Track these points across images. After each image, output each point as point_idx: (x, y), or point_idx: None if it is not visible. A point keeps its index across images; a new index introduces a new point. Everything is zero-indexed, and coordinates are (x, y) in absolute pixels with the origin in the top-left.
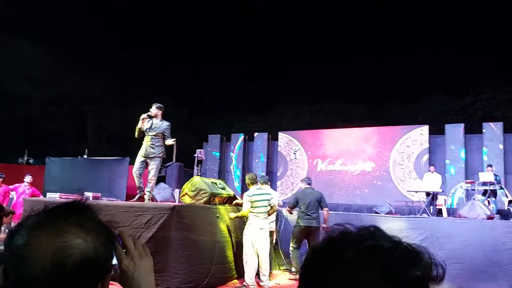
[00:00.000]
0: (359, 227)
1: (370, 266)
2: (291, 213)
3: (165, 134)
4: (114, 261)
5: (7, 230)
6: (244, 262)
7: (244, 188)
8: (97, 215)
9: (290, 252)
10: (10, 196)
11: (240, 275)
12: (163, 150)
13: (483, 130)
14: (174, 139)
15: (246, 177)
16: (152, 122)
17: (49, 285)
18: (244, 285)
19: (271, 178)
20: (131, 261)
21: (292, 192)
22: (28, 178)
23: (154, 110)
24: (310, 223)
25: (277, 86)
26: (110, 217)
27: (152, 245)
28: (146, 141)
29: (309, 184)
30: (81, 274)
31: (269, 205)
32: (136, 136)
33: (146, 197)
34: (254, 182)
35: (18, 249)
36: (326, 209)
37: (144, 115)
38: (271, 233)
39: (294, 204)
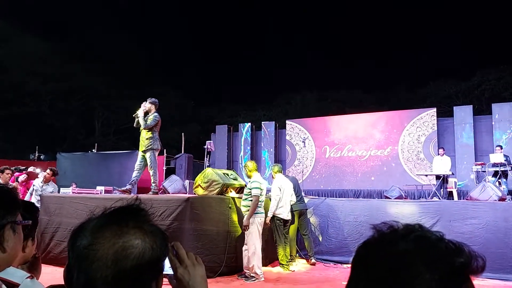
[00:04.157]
0: (404, 224)
1: (419, 254)
2: None
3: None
4: (170, 271)
5: None
6: (251, 252)
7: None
8: (151, 218)
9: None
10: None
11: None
12: (152, 142)
13: (492, 111)
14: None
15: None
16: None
17: (111, 280)
18: (253, 276)
19: None
20: (185, 269)
21: (299, 181)
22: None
23: (147, 104)
24: (303, 206)
25: (282, 76)
26: None
27: None
28: (141, 135)
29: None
30: (139, 270)
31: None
32: (134, 126)
33: (152, 189)
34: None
35: (84, 250)
36: None
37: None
38: (285, 222)
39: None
